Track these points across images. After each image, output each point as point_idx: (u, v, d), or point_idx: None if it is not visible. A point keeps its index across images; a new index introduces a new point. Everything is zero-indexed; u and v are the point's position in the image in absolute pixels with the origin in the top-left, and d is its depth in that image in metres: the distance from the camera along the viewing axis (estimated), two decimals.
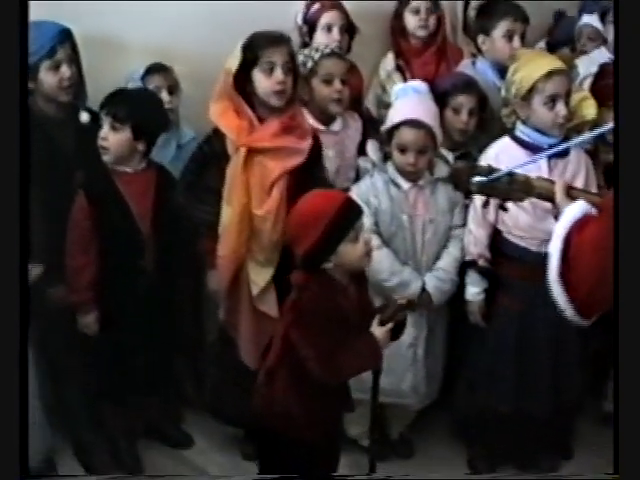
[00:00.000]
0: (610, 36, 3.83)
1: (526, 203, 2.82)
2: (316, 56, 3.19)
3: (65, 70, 2.93)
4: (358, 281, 2.46)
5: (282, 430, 2.44)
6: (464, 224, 3.06)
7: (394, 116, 3.03)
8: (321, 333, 2.31)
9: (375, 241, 2.87)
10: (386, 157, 3.07)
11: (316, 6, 3.48)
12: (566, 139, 2.93)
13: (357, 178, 3.20)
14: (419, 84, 3.17)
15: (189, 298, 3.18)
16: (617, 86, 1.44)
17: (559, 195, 1.91)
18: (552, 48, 3.88)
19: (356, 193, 2.99)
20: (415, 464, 3.31)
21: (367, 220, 2.75)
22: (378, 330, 2.41)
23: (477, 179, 2.05)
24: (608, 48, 3.83)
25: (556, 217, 1.81)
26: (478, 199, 2.93)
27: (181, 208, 2.98)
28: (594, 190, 2.88)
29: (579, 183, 2.86)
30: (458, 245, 3.08)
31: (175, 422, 3.42)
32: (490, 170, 2.08)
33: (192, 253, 3.06)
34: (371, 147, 3.12)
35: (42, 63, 2.88)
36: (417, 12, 3.62)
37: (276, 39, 2.89)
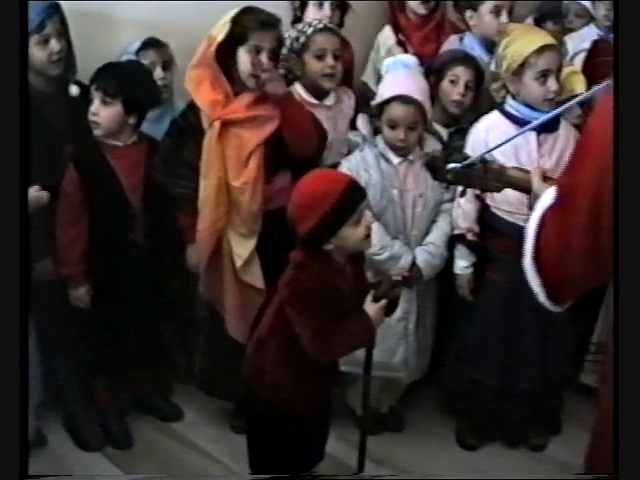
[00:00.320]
0: (599, 12, 3.83)
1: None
2: (309, 31, 3.17)
3: (54, 44, 2.91)
4: (355, 261, 2.46)
5: (271, 401, 2.46)
6: (453, 199, 3.06)
7: (384, 91, 3.02)
8: (317, 313, 2.31)
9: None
10: (376, 131, 3.07)
11: None
12: None
13: (349, 154, 3.18)
14: (409, 58, 3.17)
15: (179, 271, 3.17)
16: (617, 87, 1.44)
17: (536, 181, 1.85)
18: (538, 23, 3.86)
19: (346, 167, 3.01)
20: (405, 438, 3.33)
21: None
22: (372, 306, 2.41)
23: (451, 166, 2.02)
24: (597, 25, 3.84)
25: (531, 208, 1.76)
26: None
27: (160, 184, 2.98)
28: None
29: (568, 157, 2.85)
30: (447, 219, 3.09)
31: (165, 395, 3.43)
32: (465, 158, 2.05)
33: (178, 222, 3.06)
34: (361, 121, 3.12)
35: (31, 38, 2.85)
36: None
37: (267, 23, 2.86)
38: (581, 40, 3.67)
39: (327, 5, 3.41)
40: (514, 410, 3.22)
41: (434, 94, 3.26)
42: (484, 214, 3.04)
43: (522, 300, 2.87)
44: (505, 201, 2.90)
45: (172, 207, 3.02)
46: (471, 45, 3.49)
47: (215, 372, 3.18)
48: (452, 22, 3.73)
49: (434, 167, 2.09)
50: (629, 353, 1.44)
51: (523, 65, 2.91)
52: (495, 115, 3.03)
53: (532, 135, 2.92)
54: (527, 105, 2.96)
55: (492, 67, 3.12)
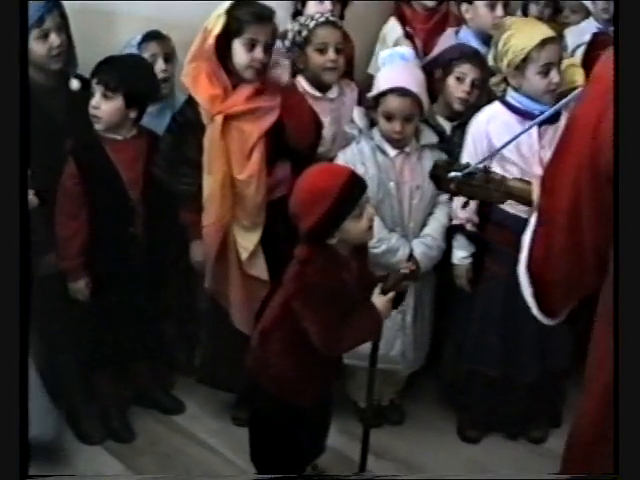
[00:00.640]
0: (597, 6, 3.82)
1: (515, 169, 2.87)
2: (311, 24, 3.18)
3: (54, 38, 2.91)
4: (359, 253, 2.47)
5: (275, 393, 2.46)
6: None
7: (380, 83, 3.01)
8: (324, 307, 2.32)
9: None
10: (372, 124, 3.06)
11: None
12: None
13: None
14: (406, 50, 3.16)
15: (179, 264, 3.16)
16: (618, 89, 1.44)
17: (537, 193, 1.78)
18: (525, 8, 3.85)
19: (342, 160, 3.01)
20: (405, 430, 3.33)
21: None
22: (379, 299, 2.42)
23: (453, 174, 2.01)
24: (596, 19, 3.84)
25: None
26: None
27: (162, 182, 2.97)
28: None
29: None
30: (444, 211, 3.10)
31: (166, 388, 3.43)
32: (466, 166, 2.05)
33: (179, 218, 3.05)
34: (357, 113, 3.11)
35: (31, 32, 2.85)
36: None
37: (262, 16, 2.84)
38: (581, 33, 3.68)
39: None
40: (514, 402, 3.22)
41: (439, 88, 3.27)
42: (484, 206, 3.02)
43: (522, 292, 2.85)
44: None
45: (173, 202, 3.02)
46: (467, 38, 3.49)
47: (217, 364, 3.18)
48: (456, 15, 3.73)
49: (437, 176, 2.09)
50: (629, 353, 1.44)
51: (525, 60, 2.90)
52: (496, 106, 3.03)
53: (533, 127, 2.91)
54: (528, 97, 2.95)
55: (490, 62, 3.11)
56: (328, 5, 3.39)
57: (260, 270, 2.97)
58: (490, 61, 3.10)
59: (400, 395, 3.41)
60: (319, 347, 2.36)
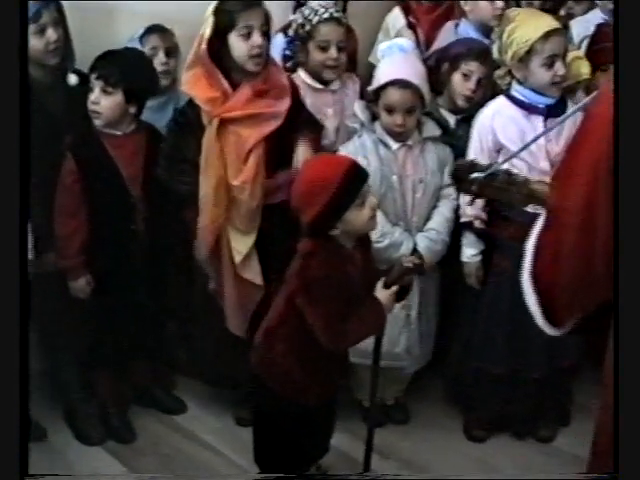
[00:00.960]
0: None
1: (521, 164, 2.83)
2: (314, 20, 3.15)
3: (51, 33, 2.88)
4: (362, 246, 2.45)
5: (281, 392, 2.45)
6: None
7: (380, 76, 2.98)
8: (329, 301, 2.30)
9: None
10: (374, 117, 3.03)
11: None
12: (562, 98, 2.93)
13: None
14: (405, 42, 3.14)
15: (180, 261, 3.14)
16: (617, 87, 1.41)
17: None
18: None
19: (344, 153, 2.96)
20: (410, 430, 3.30)
21: None
22: (383, 293, 2.41)
23: (474, 175, 1.99)
24: (602, 9, 3.80)
25: None
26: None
27: (164, 182, 2.95)
28: None
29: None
30: (449, 205, 3.06)
31: (167, 388, 3.41)
32: (488, 167, 2.02)
33: (181, 217, 3.04)
34: (359, 107, 3.08)
35: (27, 28, 2.82)
36: None
37: (251, 2, 2.82)
38: (587, 25, 3.63)
39: None
40: (522, 401, 3.18)
41: (445, 83, 3.24)
42: (492, 201, 2.99)
43: None
44: None
45: (175, 201, 3.00)
46: (467, 31, 3.47)
47: (217, 360, 3.16)
48: (462, 7, 3.68)
49: (458, 177, 2.05)
50: (629, 353, 1.43)
51: (529, 52, 2.87)
52: (501, 100, 3.00)
53: (539, 120, 2.89)
54: (533, 90, 2.92)
55: (495, 54, 3.08)
56: None
57: (254, 274, 2.95)
58: (495, 54, 3.08)
59: (405, 394, 3.38)
60: (324, 342, 2.34)
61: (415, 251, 2.99)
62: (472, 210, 2.99)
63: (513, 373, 3.09)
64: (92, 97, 2.88)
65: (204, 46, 2.79)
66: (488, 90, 3.21)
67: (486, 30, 3.37)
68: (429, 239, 3.02)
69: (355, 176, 2.32)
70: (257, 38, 2.79)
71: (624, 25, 1.43)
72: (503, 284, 2.99)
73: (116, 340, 3.07)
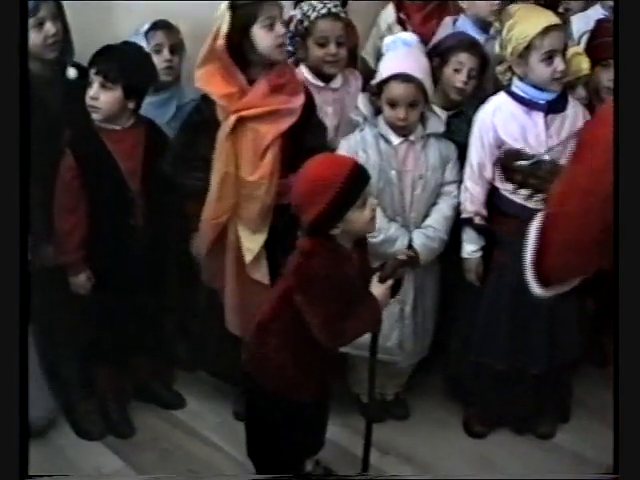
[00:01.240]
0: None
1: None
2: (312, 15, 3.14)
3: (49, 27, 2.87)
4: (360, 246, 2.46)
5: (274, 388, 2.44)
6: (456, 180, 3.03)
7: (383, 70, 2.97)
8: (327, 300, 2.30)
9: None
10: (378, 111, 3.02)
11: None
12: (563, 94, 2.93)
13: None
14: (409, 36, 3.12)
15: (181, 255, 3.12)
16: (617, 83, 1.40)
17: None
18: None
19: (345, 146, 2.98)
20: (410, 425, 3.30)
21: None
22: (378, 288, 2.41)
23: (519, 163, 1.98)
24: (603, 5, 3.79)
25: None
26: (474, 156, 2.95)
27: (170, 177, 2.94)
28: None
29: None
30: (449, 202, 3.04)
31: (167, 383, 3.41)
32: (533, 156, 2.01)
33: (183, 211, 3.04)
34: (362, 100, 3.07)
35: (27, 23, 2.80)
36: None
37: None
38: (588, 20, 3.62)
39: None
40: (522, 397, 3.18)
41: (436, 77, 3.21)
42: (493, 197, 2.99)
43: None
44: None
45: (175, 193, 2.99)
46: (465, 27, 3.45)
47: (217, 355, 3.16)
48: (455, 4, 3.68)
49: (504, 165, 2.04)
50: (629, 353, 1.44)
51: (528, 47, 2.87)
52: (502, 96, 2.99)
53: (540, 116, 2.89)
54: (534, 86, 2.92)
55: (496, 50, 3.08)
56: None
57: (262, 274, 2.93)
58: (497, 49, 3.07)
59: (404, 389, 3.37)
60: (321, 340, 2.34)
61: (410, 247, 2.97)
62: (472, 206, 2.99)
63: (513, 369, 3.09)
64: (91, 92, 2.87)
65: (221, 41, 2.77)
66: (480, 82, 3.23)
67: (484, 25, 3.37)
68: (426, 236, 3.00)
69: (358, 177, 2.31)
70: (280, 28, 2.79)
71: (624, 21, 1.43)
72: (504, 279, 2.99)
73: (116, 335, 3.06)
